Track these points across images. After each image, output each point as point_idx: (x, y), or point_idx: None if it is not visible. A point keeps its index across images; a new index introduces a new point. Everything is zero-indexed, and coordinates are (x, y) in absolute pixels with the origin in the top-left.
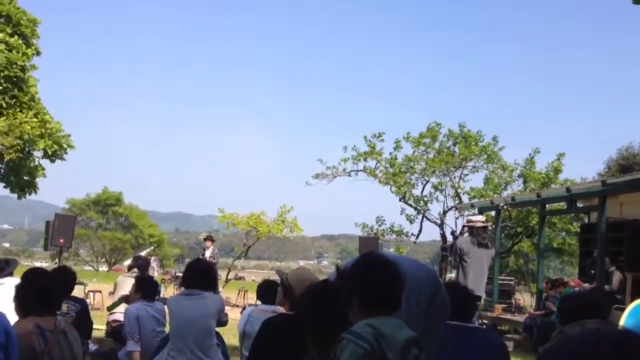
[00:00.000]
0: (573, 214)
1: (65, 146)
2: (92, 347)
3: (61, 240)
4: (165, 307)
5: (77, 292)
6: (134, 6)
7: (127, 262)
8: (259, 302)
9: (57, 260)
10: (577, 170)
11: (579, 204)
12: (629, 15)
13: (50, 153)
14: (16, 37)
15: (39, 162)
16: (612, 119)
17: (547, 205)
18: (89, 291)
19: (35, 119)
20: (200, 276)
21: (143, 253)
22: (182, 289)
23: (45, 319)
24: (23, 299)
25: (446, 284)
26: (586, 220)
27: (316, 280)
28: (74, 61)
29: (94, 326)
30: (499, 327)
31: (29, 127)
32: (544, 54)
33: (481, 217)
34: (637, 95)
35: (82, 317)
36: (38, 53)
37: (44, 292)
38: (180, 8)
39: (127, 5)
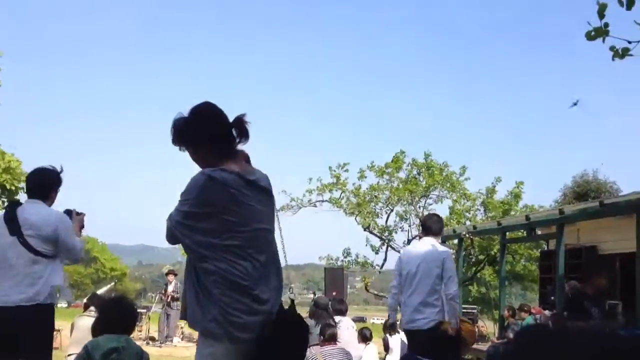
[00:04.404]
0: (533, 242)
1: (22, 185)
2: None
3: None
4: None
5: None
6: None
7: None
8: None
9: None
10: (536, 197)
11: (538, 231)
12: (581, 51)
13: (7, 187)
14: None
15: None
16: (568, 147)
17: (507, 233)
18: None
19: None
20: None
21: (104, 289)
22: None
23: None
24: None
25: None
26: (545, 247)
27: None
28: (31, 94)
29: None
30: (463, 356)
31: None
32: (504, 84)
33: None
34: (589, 125)
35: None
36: None
37: None
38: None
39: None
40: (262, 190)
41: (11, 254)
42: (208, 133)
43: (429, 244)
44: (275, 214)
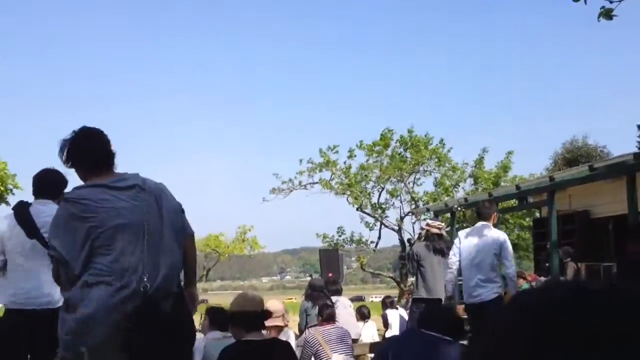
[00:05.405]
0: (525, 210)
1: (11, 187)
2: None
3: None
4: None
5: None
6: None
7: None
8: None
9: None
10: (526, 167)
11: (530, 200)
12: (572, 11)
13: None
14: None
15: None
16: (556, 114)
17: (499, 204)
18: None
19: None
20: None
21: None
22: None
23: None
24: None
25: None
26: (538, 215)
27: (258, 297)
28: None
29: None
30: None
31: None
32: (483, 49)
33: (438, 223)
34: (579, 90)
35: None
36: None
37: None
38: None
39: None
40: (128, 187)
41: (32, 256)
42: (78, 154)
43: (485, 227)
44: (160, 200)
